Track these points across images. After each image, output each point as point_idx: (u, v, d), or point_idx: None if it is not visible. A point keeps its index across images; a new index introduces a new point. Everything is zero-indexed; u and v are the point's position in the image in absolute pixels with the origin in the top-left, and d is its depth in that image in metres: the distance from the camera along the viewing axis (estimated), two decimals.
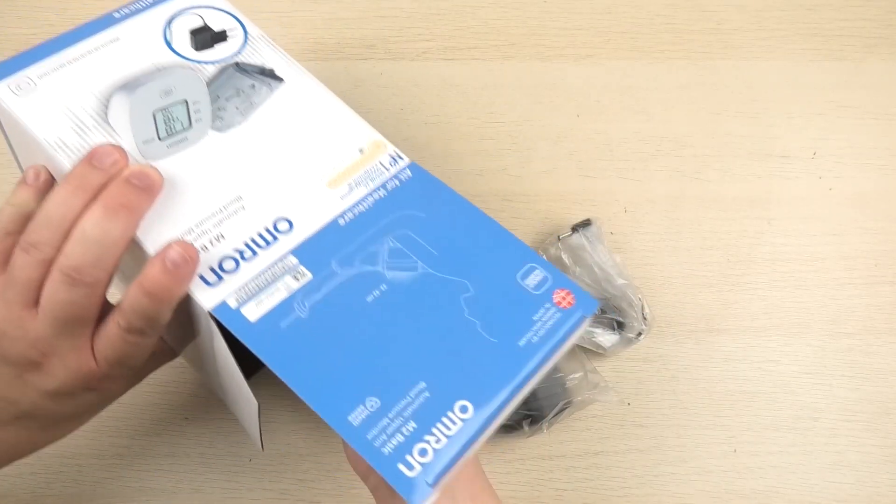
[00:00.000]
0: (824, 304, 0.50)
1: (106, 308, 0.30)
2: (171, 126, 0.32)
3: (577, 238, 0.48)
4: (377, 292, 0.30)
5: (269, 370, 0.28)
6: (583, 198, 0.52)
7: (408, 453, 0.26)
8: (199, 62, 0.34)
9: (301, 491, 0.43)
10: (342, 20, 0.57)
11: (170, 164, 0.31)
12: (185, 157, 0.32)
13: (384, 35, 0.57)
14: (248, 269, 0.29)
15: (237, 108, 0.34)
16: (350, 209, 0.32)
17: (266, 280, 0.29)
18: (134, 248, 0.29)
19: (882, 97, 0.56)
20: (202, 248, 0.29)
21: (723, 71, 0.57)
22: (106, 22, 0.35)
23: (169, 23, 0.35)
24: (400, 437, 0.26)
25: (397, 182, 0.33)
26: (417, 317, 0.29)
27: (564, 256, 0.48)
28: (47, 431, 0.33)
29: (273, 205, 0.31)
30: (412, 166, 0.34)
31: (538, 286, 0.31)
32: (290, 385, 0.27)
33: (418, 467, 0.26)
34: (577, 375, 0.45)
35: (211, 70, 0.34)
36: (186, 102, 0.32)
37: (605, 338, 0.46)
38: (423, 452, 0.26)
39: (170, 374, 0.45)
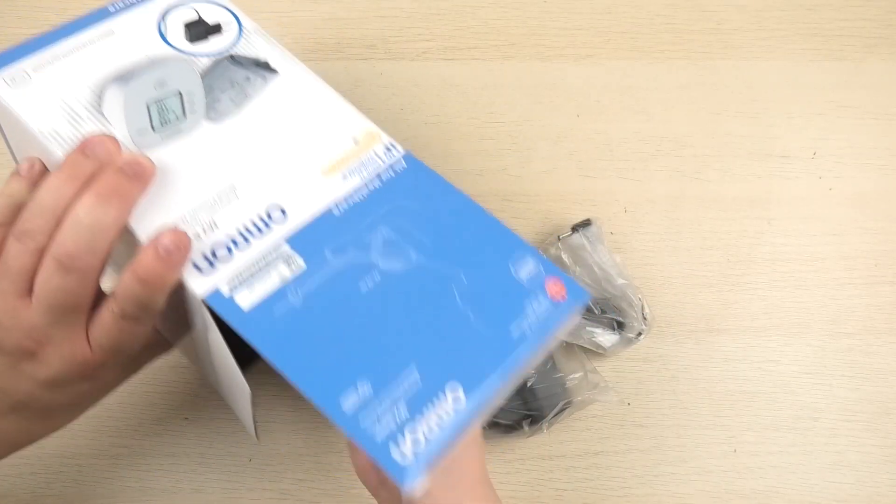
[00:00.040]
0: (824, 304, 0.50)
1: (100, 297, 0.30)
2: (165, 117, 0.32)
3: (577, 238, 0.48)
4: (370, 281, 0.30)
5: (264, 364, 0.28)
6: (583, 198, 0.52)
7: (399, 437, 0.26)
8: (193, 54, 0.35)
9: (301, 491, 0.43)
10: (342, 20, 0.57)
11: (164, 154, 0.31)
12: (178, 147, 0.32)
13: (384, 35, 0.57)
14: (242, 257, 0.30)
15: (231, 100, 0.34)
16: (344, 198, 0.32)
17: (259, 268, 0.29)
18: (127, 237, 0.30)
19: (882, 97, 0.56)
20: (195, 236, 0.29)
21: (723, 71, 0.57)
22: (101, 15, 0.35)
23: (163, 16, 0.36)
24: (391, 422, 0.27)
25: (392, 172, 0.33)
26: (410, 305, 0.30)
27: (564, 256, 0.48)
28: (44, 422, 0.33)
29: (266, 193, 0.32)
30: (407, 157, 0.34)
31: (530, 276, 0.31)
32: (282, 371, 0.28)
33: (410, 451, 0.26)
34: (577, 375, 0.45)
35: (205, 62, 0.35)
36: (181, 94, 0.33)
37: (605, 338, 0.46)
38: (414, 437, 0.26)
39: (170, 374, 0.45)
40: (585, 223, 0.49)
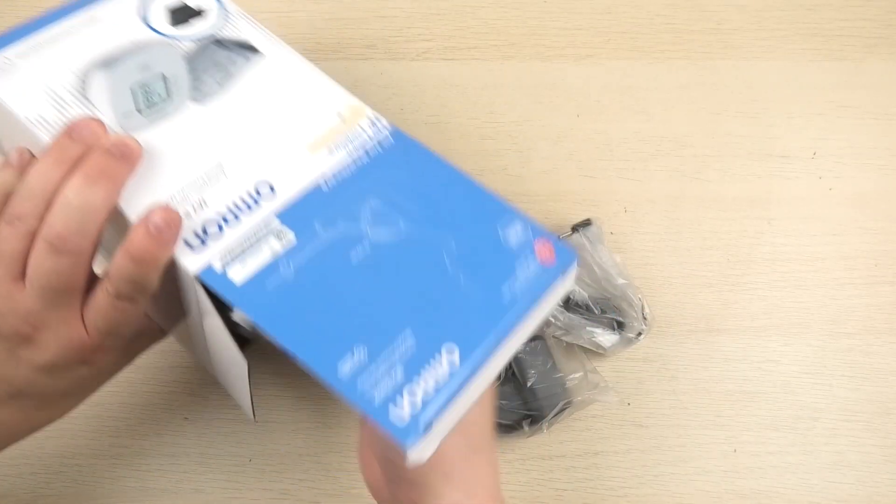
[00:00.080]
0: (824, 304, 0.50)
1: (93, 280, 0.30)
2: (149, 99, 0.33)
3: (577, 238, 0.48)
4: (361, 250, 0.30)
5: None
6: (583, 198, 0.52)
7: (397, 398, 0.27)
8: (176, 38, 0.35)
9: (301, 491, 0.43)
10: (342, 20, 0.57)
11: (150, 136, 0.32)
12: (165, 128, 0.32)
13: (384, 35, 0.57)
14: (232, 233, 0.30)
15: (216, 81, 0.34)
16: (332, 173, 0.33)
17: (250, 242, 0.30)
18: (118, 221, 0.30)
19: (882, 97, 0.56)
20: (185, 215, 0.30)
21: (723, 71, 0.57)
22: (84, 2, 0.35)
23: (146, 1, 0.36)
24: (388, 384, 0.27)
25: (378, 146, 0.34)
26: (401, 271, 0.30)
27: None
28: (42, 411, 0.33)
29: (254, 170, 0.32)
30: (393, 130, 0.35)
31: (519, 240, 0.32)
32: (277, 340, 0.28)
33: (408, 411, 0.26)
34: (577, 375, 0.45)
35: (189, 45, 0.35)
36: (164, 76, 0.33)
37: (605, 338, 0.46)
38: (412, 398, 0.27)
39: (170, 374, 0.45)
40: (585, 223, 0.49)
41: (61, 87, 0.32)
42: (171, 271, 0.30)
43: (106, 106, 0.32)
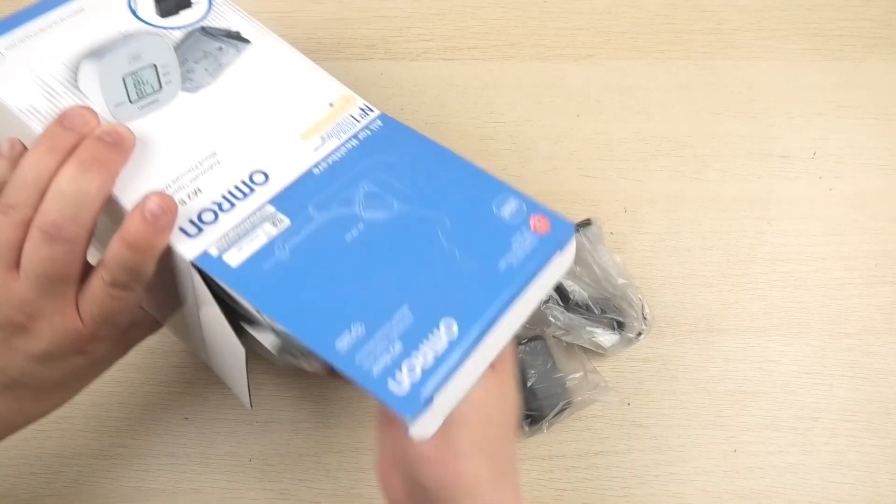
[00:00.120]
0: (824, 304, 0.50)
1: (87, 270, 0.30)
2: (141, 89, 0.33)
3: (578, 238, 0.48)
4: (355, 231, 0.30)
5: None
6: (583, 198, 0.52)
7: (397, 371, 0.27)
8: (164, 28, 0.35)
9: (301, 491, 0.43)
10: (342, 20, 0.57)
11: (143, 125, 0.32)
12: (157, 117, 0.32)
13: (384, 35, 0.57)
14: (228, 220, 0.30)
15: (206, 70, 0.34)
16: (324, 159, 0.33)
17: (245, 228, 0.30)
18: (112, 211, 0.30)
19: (882, 97, 0.56)
20: (180, 203, 0.30)
21: (723, 71, 0.57)
22: None
23: None
24: (387, 358, 0.27)
25: (369, 132, 0.34)
26: (396, 250, 0.30)
27: None
28: (38, 401, 0.33)
29: (248, 159, 0.32)
30: (382, 117, 0.35)
31: (514, 214, 0.32)
32: (275, 320, 0.28)
33: (408, 383, 0.26)
34: (577, 375, 0.45)
35: (177, 35, 0.35)
36: (155, 66, 0.33)
37: (605, 338, 0.46)
38: (411, 370, 0.27)
39: (170, 374, 0.45)
40: (585, 223, 0.49)
41: (52, 77, 0.32)
42: (167, 261, 0.30)
43: (97, 96, 0.32)
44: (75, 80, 0.32)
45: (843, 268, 0.51)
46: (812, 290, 0.50)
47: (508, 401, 0.33)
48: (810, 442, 0.46)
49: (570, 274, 0.47)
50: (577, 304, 0.46)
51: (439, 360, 0.27)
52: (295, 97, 0.35)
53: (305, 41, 0.56)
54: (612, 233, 0.51)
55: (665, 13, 0.59)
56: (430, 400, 0.26)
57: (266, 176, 0.32)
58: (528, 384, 0.44)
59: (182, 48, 0.35)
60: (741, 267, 0.50)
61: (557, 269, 0.32)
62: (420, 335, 0.28)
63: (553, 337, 0.46)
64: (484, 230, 0.31)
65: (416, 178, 0.33)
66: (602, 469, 0.45)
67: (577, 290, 0.47)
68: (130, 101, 0.32)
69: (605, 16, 0.59)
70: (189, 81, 0.34)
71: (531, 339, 0.45)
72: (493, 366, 0.31)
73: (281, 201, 0.31)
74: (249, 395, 0.35)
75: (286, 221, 0.30)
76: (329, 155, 0.33)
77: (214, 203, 0.30)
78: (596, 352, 0.46)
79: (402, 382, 0.26)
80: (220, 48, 0.35)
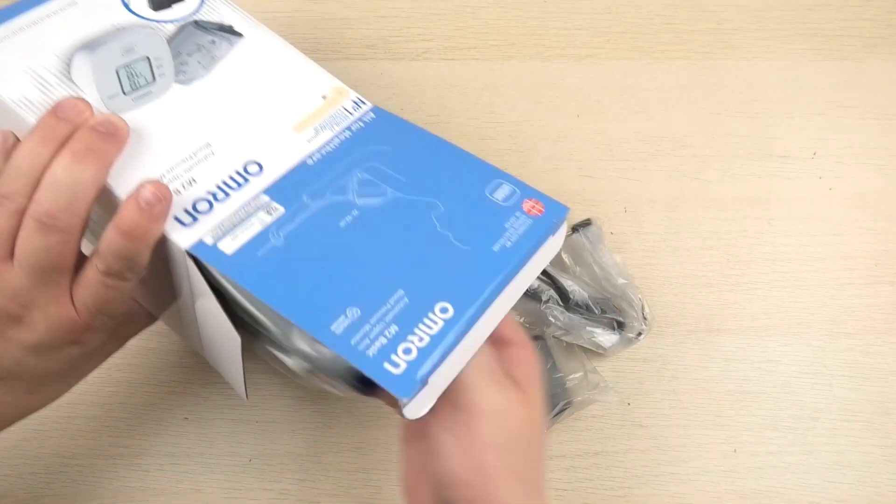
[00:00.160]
0: (824, 304, 0.50)
1: (82, 260, 0.30)
2: (134, 81, 0.33)
3: (578, 238, 0.48)
4: (349, 217, 0.31)
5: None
6: (583, 198, 0.52)
7: (392, 353, 0.27)
8: (157, 21, 0.35)
9: (301, 491, 0.43)
10: (342, 20, 0.57)
11: (137, 116, 0.32)
12: (151, 109, 0.33)
13: (384, 35, 0.57)
14: (222, 210, 0.30)
15: (199, 63, 0.35)
16: (318, 150, 0.33)
17: (240, 217, 0.30)
18: (106, 201, 0.30)
19: (882, 97, 0.56)
20: (175, 192, 0.30)
21: (723, 71, 0.57)
22: None
23: None
24: (383, 340, 0.27)
25: (362, 124, 0.35)
26: (391, 235, 0.30)
27: (565, 256, 0.48)
28: (33, 394, 0.33)
29: (242, 150, 0.32)
30: (375, 109, 0.35)
31: (507, 198, 0.32)
32: (270, 305, 0.28)
33: (404, 364, 0.27)
34: (577, 375, 0.45)
35: (170, 29, 0.35)
36: (149, 59, 0.33)
37: (605, 338, 0.46)
38: (407, 351, 0.27)
39: (170, 374, 0.45)
40: (585, 223, 0.49)
41: (45, 69, 0.32)
42: (162, 251, 0.30)
43: (90, 88, 0.32)
44: (68, 72, 0.32)
45: (843, 268, 0.51)
46: (812, 290, 0.50)
47: (537, 422, 0.33)
48: (810, 442, 0.46)
49: (570, 274, 0.47)
50: (577, 304, 0.46)
51: (434, 342, 0.27)
52: (288, 89, 0.35)
53: (305, 41, 0.56)
54: (612, 233, 0.51)
55: (665, 13, 0.59)
56: (425, 381, 0.27)
57: (260, 166, 0.32)
58: None
59: (175, 41, 0.35)
60: (741, 267, 0.50)
61: (549, 251, 0.32)
62: (415, 318, 0.28)
63: (553, 337, 0.46)
64: (478, 214, 0.32)
65: (409, 166, 0.33)
66: (602, 469, 0.45)
67: (577, 290, 0.47)
68: (124, 93, 0.33)
69: (605, 16, 0.58)
70: (182, 74, 0.34)
71: (531, 339, 0.45)
72: (523, 389, 0.31)
73: (275, 191, 0.31)
74: (245, 386, 0.35)
75: (280, 210, 0.31)
76: (323, 146, 0.33)
77: (209, 193, 0.31)
78: (596, 352, 0.46)
79: (399, 364, 0.27)
80: (213, 41, 0.35)
